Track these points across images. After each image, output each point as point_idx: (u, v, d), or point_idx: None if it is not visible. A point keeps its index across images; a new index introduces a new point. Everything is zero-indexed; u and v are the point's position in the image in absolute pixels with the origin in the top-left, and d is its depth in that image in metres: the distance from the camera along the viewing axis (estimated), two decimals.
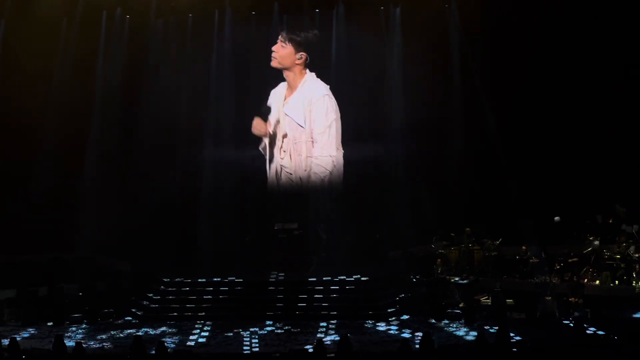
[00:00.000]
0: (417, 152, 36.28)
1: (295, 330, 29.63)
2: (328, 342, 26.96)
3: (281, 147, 36.71)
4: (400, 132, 36.53)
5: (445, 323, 29.92)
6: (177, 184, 36.90)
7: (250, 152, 37.25)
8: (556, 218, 33.94)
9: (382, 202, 36.20)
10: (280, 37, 36.51)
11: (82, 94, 36.66)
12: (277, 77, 36.97)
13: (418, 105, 35.76)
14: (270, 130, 36.71)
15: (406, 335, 28.12)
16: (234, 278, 33.78)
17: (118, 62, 37.49)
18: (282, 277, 33.59)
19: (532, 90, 35.14)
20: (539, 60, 35.20)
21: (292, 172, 36.63)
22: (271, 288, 32.92)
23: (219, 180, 37.10)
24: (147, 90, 37.25)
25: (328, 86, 36.56)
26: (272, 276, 33.70)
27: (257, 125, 36.71)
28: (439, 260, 33.67)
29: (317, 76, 36.75)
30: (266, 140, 36.87)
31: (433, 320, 30.30)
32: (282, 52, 36.55)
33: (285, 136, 36.69)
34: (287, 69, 36.78)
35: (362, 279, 33.13)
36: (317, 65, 36.82)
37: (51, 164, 36.15)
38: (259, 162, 37.21)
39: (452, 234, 34.58)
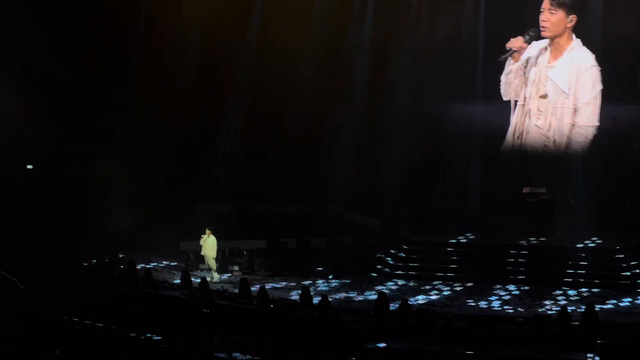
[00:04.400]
0: None
1: (538, 296, 29.31)
2: (572, 310, 26.50)
3: (537, 107, 35.99)
4: None
5: None
6: (425, 139, 36.77)
7: (496, 107, 36.63)
8: None
9: (633, 169, 34.96)
10: (546, 4, 35.27)
11: (335, 50, 37.10)
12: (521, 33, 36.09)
13: None
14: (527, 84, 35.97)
15: None
16: (477, 239, 33.75)
17: (371, 19, 37.47)
18: (527, 242, 33.15)
19: None
20: None
21: (547, 136, 35.90)
22: (515, 251, 32.60)
23: (468, 136, 36.68)
24: (399, 45, 37.06)
25: (594, 56, 35.41)
26: (516, 239, 33.27)
27: (514, 40, 35.80)
28: None
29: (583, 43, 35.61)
30: (514, 66, 36.06)
31: None
32: (554, 19, 35.42)
33: (543, 97, 35.87)
34: (558, 35, 35.80)
35: (611, 247, 32.31)
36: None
37: (301, 118, 36.74)
38: (503, 119, 36.57)
39: None
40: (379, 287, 30.26)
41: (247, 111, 37.29)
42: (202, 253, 31.60)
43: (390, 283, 31.31)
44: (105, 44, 36.50)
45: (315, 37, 36.92)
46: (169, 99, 36.70)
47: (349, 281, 31.59)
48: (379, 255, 33.57)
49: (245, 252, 33.09)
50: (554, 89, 35.73)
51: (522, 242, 33.12)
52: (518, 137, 36.34)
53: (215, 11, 36.01)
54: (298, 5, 36.66)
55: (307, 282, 30.75)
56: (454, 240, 33.59)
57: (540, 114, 35.97)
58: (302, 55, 36.89)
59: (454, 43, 36.67)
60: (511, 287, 30.30)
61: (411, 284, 31.21)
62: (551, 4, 35.19)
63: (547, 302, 28.35)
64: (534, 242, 33.14)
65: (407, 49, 36.79)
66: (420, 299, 29.08)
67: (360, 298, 29.25)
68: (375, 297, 27.12)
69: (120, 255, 32.72)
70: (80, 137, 36.28)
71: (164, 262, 33.49)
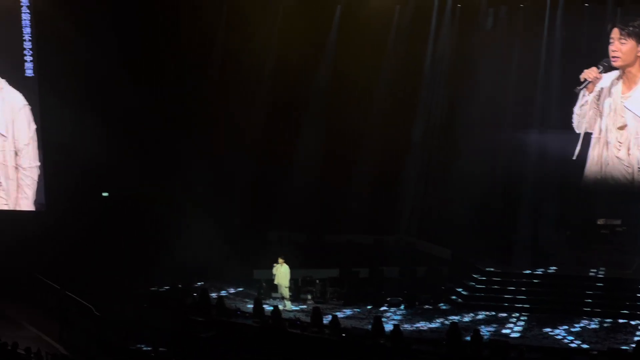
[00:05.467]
0: None
1: (614, 329, 28.96)
2: None
3: (616, 138, 35.65)
4: None
5: None
6: (499, 170, 36.64)
7: (571, 137, 36.30)
8: None
9: None
10: (615, 34, 35.03)
11: (410, 80, 37.19)
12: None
13: None
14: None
15: None
16: (552, 271, 33.42)
17: (447, 48, 37.44)
18: (602, 274, 32.77)
19: None
20: None
21: (630, 165, 35.49)
22: (590, 283, 32.18)
23: (542, 167, 36.41)
24: (474, 75, 36.93)
25: None
26: (592, 272, 32.95)
27: (588, 71, 35.54)
28: None
29: None
30: (589, 97, 35.74)
31: None
32: (625, 49, 35.11)
33: (622, 128, 35.52)
34: (629, 64, 35.49)
35: None
36: None
37: (374, 146, 36.90)
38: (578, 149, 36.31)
39: None
40: (451, 318, 30.16)
41: (320, 140, 37.54)
42: (275, 282, 31.72)
43: (463, 313, 31.16)
44: (181, 75, 37.10)
45: (389, 68, 37.15)
46: (243, 128, 37.18)
47: (420, 311, 31.48)
48: (452, 285, 33.43)
49: (317, 281, 33.09)
50: (633, 119, 35.38)
51: (596, 274, 32.76)
52: (598, 170, 36.00)
53: (288, 43, 36.48)
54: (372, 38, 36.88)
55: (378, 312, 30.75)
56: (528, 272, 33.29)
57: (620, 146, 35.60)
58: (376, 85, 37.19)
59: (529, 71, 36.52)
60: (585, 320, 29.94)
61: (484, 314, 30.98)
62: (621, 34, 34.90)
63: (622, 336, 27.98)
64: (609, 274, 32.68)
65: (482, 79, 36.62)
66: (493, 329, 28.89)
67: (431, 328, 29.15)
68: (447, 327, 27.02)
69: (198, 284, 33.12)
70: (156, 165, 36.75)
71: (237, 290, 33.68)
